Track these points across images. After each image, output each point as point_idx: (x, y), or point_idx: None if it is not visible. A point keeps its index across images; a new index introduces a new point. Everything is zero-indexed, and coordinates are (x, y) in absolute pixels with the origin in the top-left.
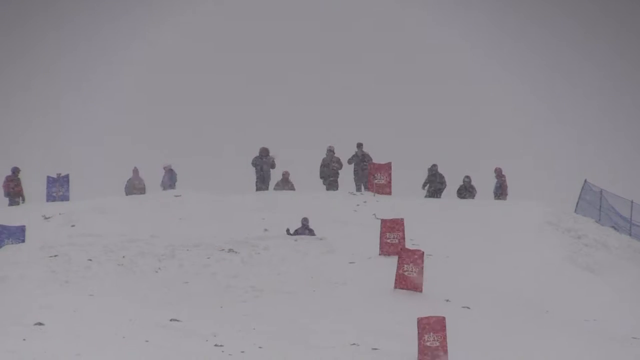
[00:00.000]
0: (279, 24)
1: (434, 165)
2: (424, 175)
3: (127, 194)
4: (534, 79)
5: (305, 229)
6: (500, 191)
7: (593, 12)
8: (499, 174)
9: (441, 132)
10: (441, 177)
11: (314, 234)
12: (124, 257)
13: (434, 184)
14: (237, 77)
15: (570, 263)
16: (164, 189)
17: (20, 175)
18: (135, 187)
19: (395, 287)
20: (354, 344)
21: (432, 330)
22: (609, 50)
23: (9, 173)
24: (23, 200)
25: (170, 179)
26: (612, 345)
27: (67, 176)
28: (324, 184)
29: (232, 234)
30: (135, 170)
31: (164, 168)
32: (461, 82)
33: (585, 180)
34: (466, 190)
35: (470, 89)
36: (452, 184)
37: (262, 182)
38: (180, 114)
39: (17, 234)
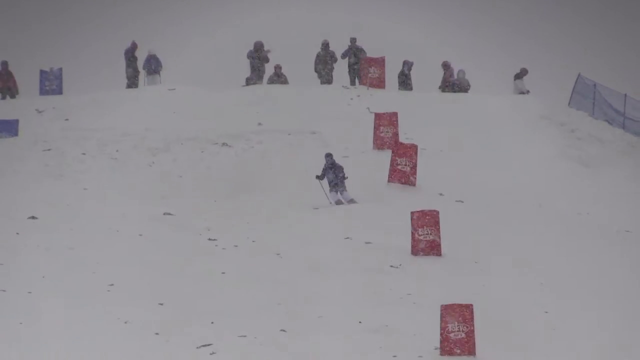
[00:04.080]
0: None
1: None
2: (420, 66)
3: (126, 60)
4: None
5: (331, 168)
6: (446, 83)
7: None
8: (446, 67)
9: (430, 23)
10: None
11: (342, 171)
12: (117, 151)
13: (404, 85)
14: None
15: (563, 157)
16: (148, 73)
17: (11, 68)
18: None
19: (389, 181)
20: (347, 237)
21: (425, 223)
22: None
23: None
24: (17, 93)
25: (155, 65)
26: (605, 238)
27: (60, 70)
28: (318, 77)
29: (226, 128)
30: (134, 45)
31: (149, 52)
32: None
33: (579, 74)
34: (460, 84)
35: None
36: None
37: (256, 76)
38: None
39: (10, 128)
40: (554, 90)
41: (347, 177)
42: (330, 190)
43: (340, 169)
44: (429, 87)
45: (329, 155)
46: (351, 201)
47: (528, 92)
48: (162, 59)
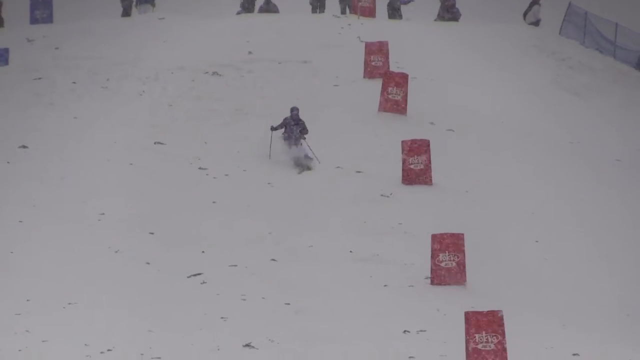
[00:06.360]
0: None
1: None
2: None
3: None
4: None
5: (293, 122)
6: (445, 11)
7: None
8: None
9: None
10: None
11: (304, 127)
12: (108, 80)
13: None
14: None
15: (554, 86)
16: (139, 2)
17: None
18: None
19: (380, 110)
20: (338, 166)
21: (416, 153)
22: None
23: None
24: (2, 25)
25: None
26: (596, 166)
27: None
28: (310, 3)
29: (217, 57)
30: None
31: None
32: None
33: (570, 2)
34: (450, 13)
35: None
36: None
37: (248, 5)
38: None
39: (0, 57)
40: (545, 19)
41: (306, 133)
42: (290, 146)
43: (303, 124)
44: (421, 17)
45: (294, 109)
46: (306, 157)
47: (539, 20)
48: None
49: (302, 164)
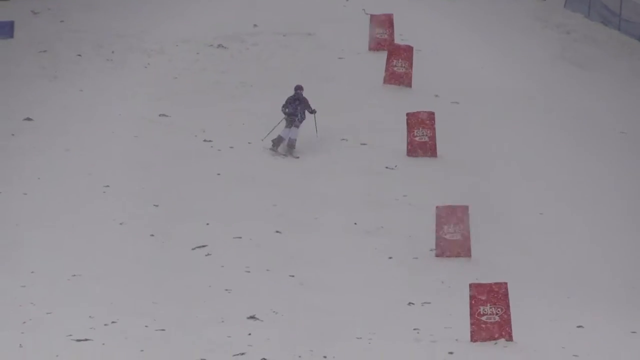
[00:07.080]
0: None
1: None
2: None
3: None
4: None
5: (295, 100)
6: None
7: None
8: None
9: None
10: None
11: (308, 106)
12: (113, 52)
13: None
14: None
15: (559, 58)
16: None
17: None
18: None
19: (385, 83)
20: (343, 139)
21: (421, 125)
22: None
23: None
24: None
25: None
26: (601, 139)
27: None
28: None
29: (222, 30)
30: None
31: None
32: None
33: None
34: None
35: None
36: None
37: None
38: None
39: (5, 30)
40: None
41: (315, 111)
42: (285, 126)
43: (305, 102)
44: None
45: (298, 88)
46: (290, 145)
47: None
48: None
49: (289, 148)
